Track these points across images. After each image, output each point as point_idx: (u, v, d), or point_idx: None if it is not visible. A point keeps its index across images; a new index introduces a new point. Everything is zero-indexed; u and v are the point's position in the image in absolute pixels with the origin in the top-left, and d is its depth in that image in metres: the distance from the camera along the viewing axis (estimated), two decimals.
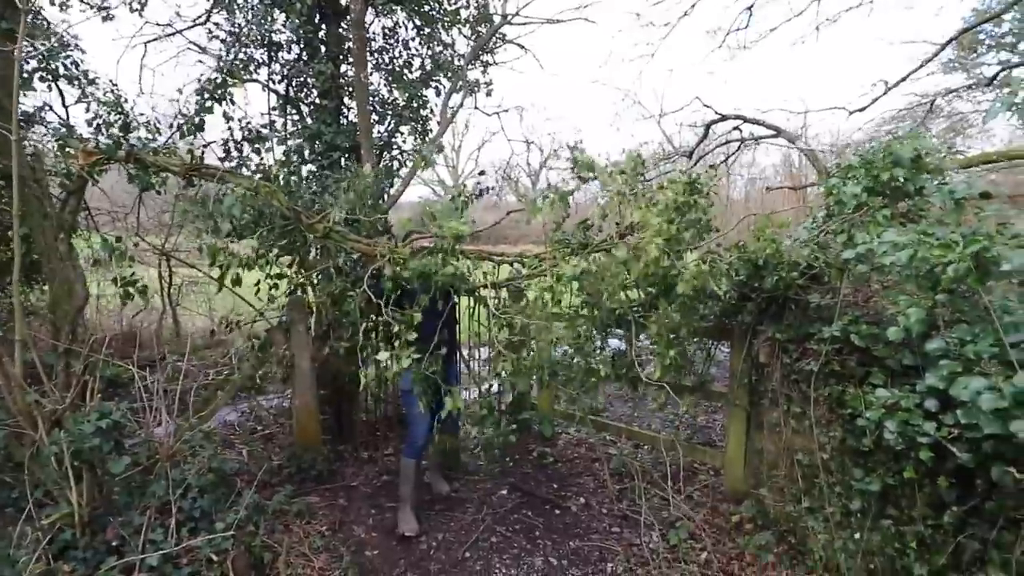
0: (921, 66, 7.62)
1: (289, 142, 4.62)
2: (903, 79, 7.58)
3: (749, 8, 7.97)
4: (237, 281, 3.37)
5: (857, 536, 2.39)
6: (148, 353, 5.88)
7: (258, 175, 3.71)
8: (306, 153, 4.70)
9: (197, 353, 7.17)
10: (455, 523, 3.43)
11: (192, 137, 4.14)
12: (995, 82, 8.23)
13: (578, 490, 3.81)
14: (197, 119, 4.16)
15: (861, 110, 7.85)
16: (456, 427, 3.90)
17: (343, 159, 4.59)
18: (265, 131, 4.67)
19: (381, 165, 4.86)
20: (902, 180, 2.33)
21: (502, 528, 3.36)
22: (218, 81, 4.35)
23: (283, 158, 4.53)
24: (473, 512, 3.55)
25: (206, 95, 4.22)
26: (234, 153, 4.63)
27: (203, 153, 3.68)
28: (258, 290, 3.90)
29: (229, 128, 4.60)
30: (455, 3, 5.51)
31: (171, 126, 4.17)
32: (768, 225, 2.61)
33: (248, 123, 4.69)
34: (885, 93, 7.71)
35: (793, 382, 2.79)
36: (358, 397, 4.64)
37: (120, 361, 3.97)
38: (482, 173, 3.94)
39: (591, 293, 2.67)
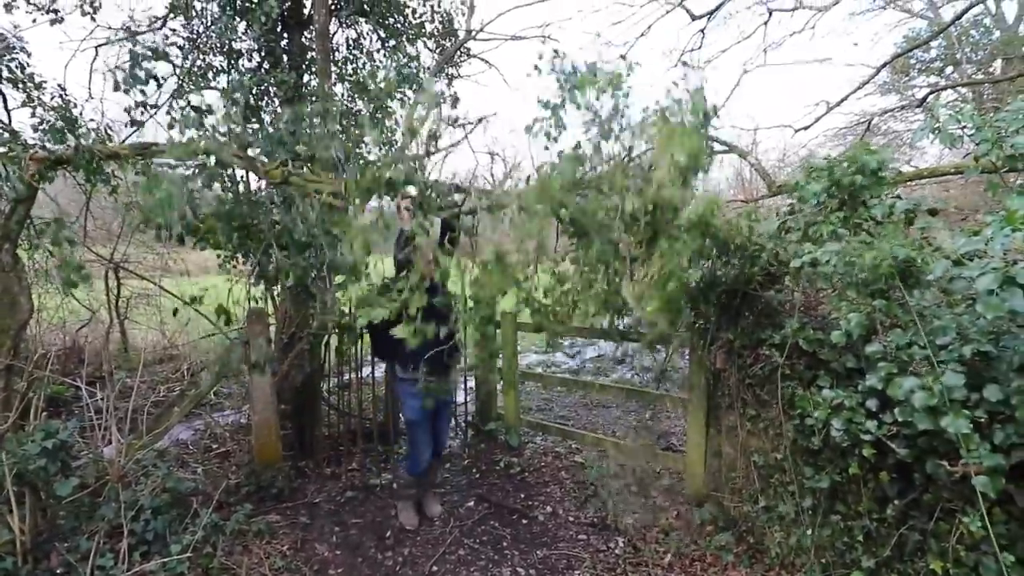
0: (859, 88, 8.17)
1: (238, 94, 4.43)
2: (843, 99, 8.11)
3: (702, 30, 8.36)
4: (180, 239, 2.99)
5: (809, 532, 2.51)
6: (92, 369, 5.59)
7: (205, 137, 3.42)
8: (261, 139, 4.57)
9: (147, 368, 6.86)
10: (421, 537, 3.39)
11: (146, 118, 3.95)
12: (925, 103, 8.89)
13: (545, 499, 3.84)
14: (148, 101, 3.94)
15: (806, 128, 8.35)
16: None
17: (305, 167, 4.52)
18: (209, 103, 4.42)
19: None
20: (859, 188, 2.49)
21: (469, 540, 3.35)
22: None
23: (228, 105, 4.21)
24: (440, 525, 3.52)
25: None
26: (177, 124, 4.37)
27: (143, 116, 3.52)
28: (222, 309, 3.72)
29: (170, 110, 4.38)
30: (420, 17, 5.57)
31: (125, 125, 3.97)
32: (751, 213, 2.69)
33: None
34: (827, 112, 8.22)
35: (748, 386, 2.92)
36: (320, 412, 4.55)
37: (64, 378, 3.76)
38: (457, 100, 3.66)
39: (582, 226, 2.46)
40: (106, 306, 5.42)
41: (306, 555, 3.18)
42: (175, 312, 3.37)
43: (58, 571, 2.28)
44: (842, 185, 2.64)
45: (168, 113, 4.15)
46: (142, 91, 3.66)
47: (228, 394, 6.35)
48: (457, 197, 2.97)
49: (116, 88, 3.79)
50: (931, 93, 10.11)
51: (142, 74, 3.52)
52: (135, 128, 4.15)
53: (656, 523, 3.32)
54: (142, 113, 4.15)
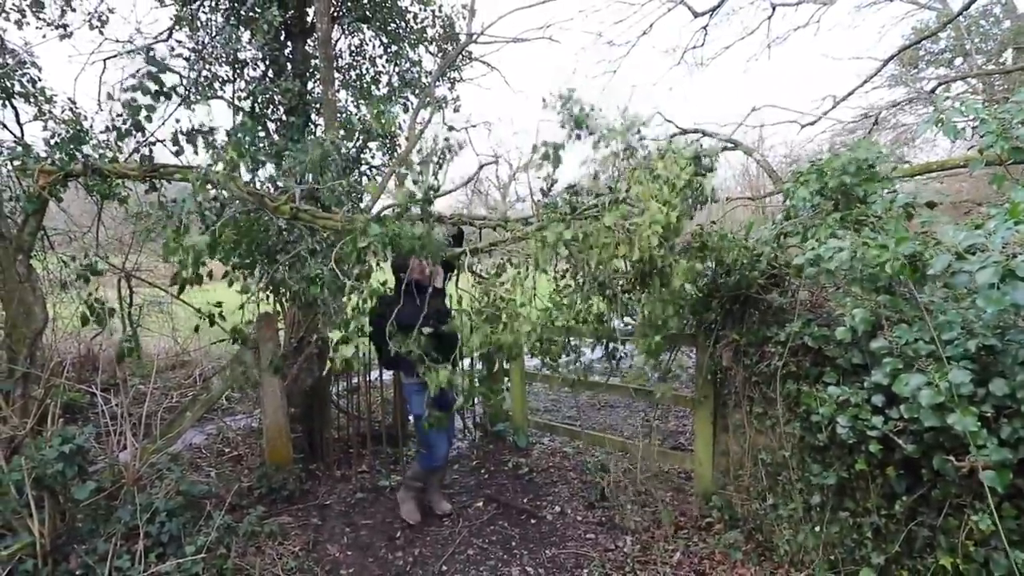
0: (866, 81, 8.10)
1: (245, 137, 4.48)
2: (850, 93, 8.04)
3: (704, 27, 8.33)
4: (198, 279, 2.88)
5: (818, 529, 2.50)
6: (107, 376, 5.69)
7: (215, 164, 3.47)
8: (272, 171, 4.66)
9: (160, 375, 6.97)
10: (431, 537, 3.42)
11: (138, 137, 4.01)
12: (933, 95, 8.80)
13: (553, 499, 3.85)
14: (140, 117, 4.00)
15: (812, 123, 8.29)
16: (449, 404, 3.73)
17: (310, 176, 4.58)
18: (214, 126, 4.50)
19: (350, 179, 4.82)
20: (850, 186, 2.49)
21: (479, 540, 3.37)
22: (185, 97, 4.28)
23: (236, 138, 4.26)
24: (449, 525, 3.55)
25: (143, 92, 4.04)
26: (186, 146, 4.44)
27: (151, 151, 3.58)
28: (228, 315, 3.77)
29: (177, 121, 4.43)
30: (421, 22, 5.61)
31: (118, 139, 4.01)
32: (751, 223, 2.72)
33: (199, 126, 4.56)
34: (834, 107, 8.16)
35: (754, 384, 2.92)
36: (330, 415, 4.59)
37: (79, 384, 3.84)
38: (451, 128, 3.70)
39: (577, 261, 2.59)
40: (119, 315, 5.50)
41: (318, 556, 3.22)
42: (197, 328, 3.43)
43: (77, 573, 2.33)
44: (831, 187, 2.64)
45: (174, 143, 4.24)
46: (148, 118, 3.77)
47: (239, 399, 6.43)
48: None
49: (120, 138, 3.86)
50: (940, 85, 10.01)
51: (148, 99, 3.64)
52: (142, 145, 4.20)
53: (665, 522, 3.32)
54: (149, 148, 4.22)
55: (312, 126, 4.92)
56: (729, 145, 7.70)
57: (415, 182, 2.85)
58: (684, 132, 7.65)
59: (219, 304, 3.42)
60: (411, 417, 3.39)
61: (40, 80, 4.07)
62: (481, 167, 3.87)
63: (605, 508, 3.62)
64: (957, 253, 1.71)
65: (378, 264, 3.20)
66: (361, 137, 5.29)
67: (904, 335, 2.02)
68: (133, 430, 2.75)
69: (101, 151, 3.85)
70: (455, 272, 3.34)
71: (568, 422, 5.38)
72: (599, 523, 3.49)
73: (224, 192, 3.07)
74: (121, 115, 4.01)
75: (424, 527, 3.53)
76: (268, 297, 3.96)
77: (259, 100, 4.93)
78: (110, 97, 3.84)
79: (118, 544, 2.42)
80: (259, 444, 4.51)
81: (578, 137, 2.91)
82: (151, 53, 3.45)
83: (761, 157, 7.83)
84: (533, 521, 3.58)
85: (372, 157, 5.35)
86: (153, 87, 3.94)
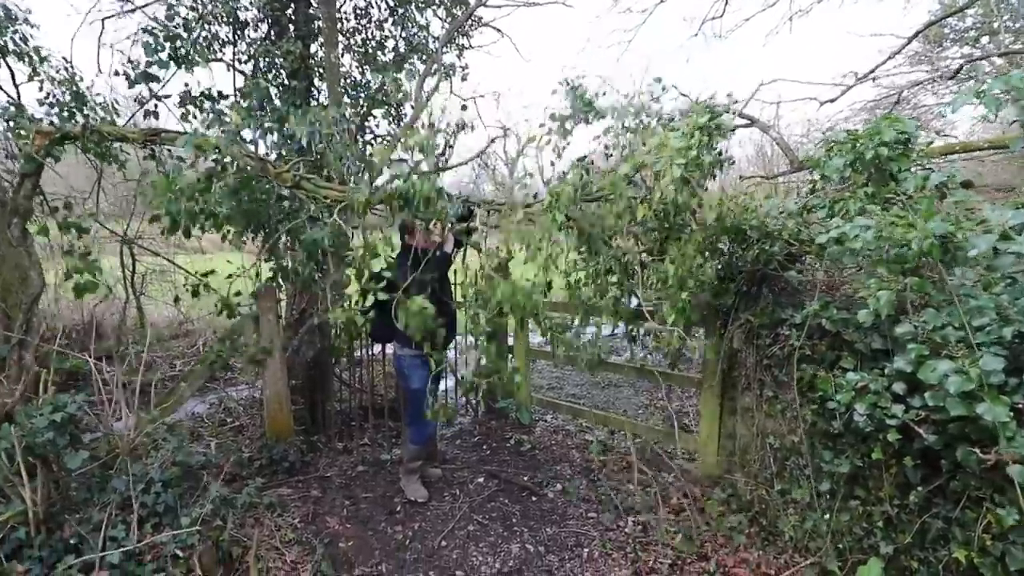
0: (891, 57, 7.76)
1: (252, 101, 4.36)
2: (872, 71, 7.71)
3: None
4: (187, 232, 2.88)
5: (826, 517, 2.44)
6: (110, 344, 5.67)
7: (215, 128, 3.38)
8: (275, 137, 4.53)
9: (162, 344, 6.96)
10: (431, 512, 3.40)
11: (143, 90, 3.93)
12: (959, 75, 8.45)
13: (555, 477, 3.81)
14: (150, 71, 3.91)
15: (832, 100, 7.97)
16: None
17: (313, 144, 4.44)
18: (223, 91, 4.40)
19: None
20: (886, 160, 2.35)
21: (479, 516, 3.35)
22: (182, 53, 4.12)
23: (239, 104, 4.16)
24: (450, 501, 3.53)
25: (154, 41, 3.94)
26: (190, 111, 4.34)
27: (156, 107, 3.48)
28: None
29: (186, 85, 4.33)
30: None
31: (129, 87, 3.93)
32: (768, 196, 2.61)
33: (206, 90, 4.43)
34: (855, 84, 7.84)
35: (766, 367, 2.83)
36: (332, 387, 4.56)
37: (79, 353, 3.79)
38: (464, 108, 3.63)
39: (590, 238, 2.53)
40: (122, 282, 5.46)
41: (316, 528, 3.21)
42: (195, 293, 3.35)
43: (71, 541, 2.31)
44: (866, 159, 2.49)
45: (181, 104, 4.12)
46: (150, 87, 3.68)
47: (242, 369, 6.42)
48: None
49: (131, 86, 3.79)
50: (966, 64, 9.60)
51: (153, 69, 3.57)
52: (141, 109, 4.10)
53: (667, 503, 3.27)
54: (155, 105, 4.11)
55: (315, 91, 4.75)
56: (745, 121, 7.45)
57: (422, 150, 2.75)
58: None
59: (207, 275, 3.36)
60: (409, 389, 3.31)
61: (31, 38, 3.91)
62: (491, 141, 3.73)
63: (607, 487, 3.58)
64: (1003, 233, 1.58)
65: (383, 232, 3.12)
66: (365, 104, 5.13)
67: (932, 320, 1.91)
68: (128, 399, 2.70)
69: (101, 114, 3.74)
70: (463, 249, 3.26)
71: (571, 400, 5.33)
72: (600, 502, 3.45)
73: (227, 158, 2.97)
74: (131, 62, 3.91)
75: (425, 502, 3.50)
76: (267, 268, 3.88)
77: (260, 63, 4.76)
78: (131, 86, 3.82)
79: (113, 514, 2.39)
80: (260, 415, 4.49)
81: (586, 121, 2.90)
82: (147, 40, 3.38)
83: (778, 135, 7.58)
84: (534, 498, 3.55)
85: (376, 125, 5.20)
86: (166, 48, 3.87)
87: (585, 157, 2.88)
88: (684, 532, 2.99)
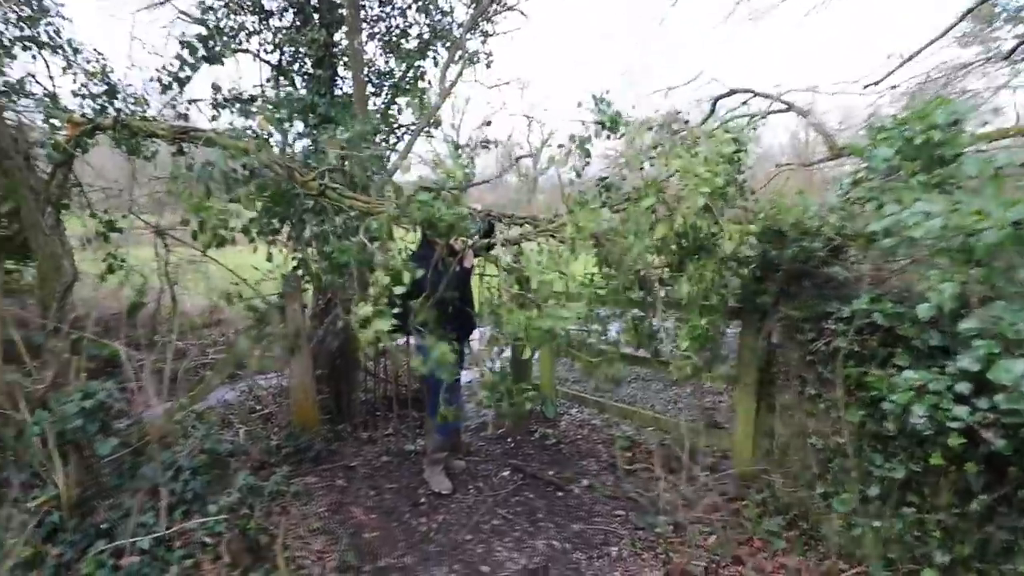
0: (940, 37, 7.32)
1: (283, 111, 4.40)
2: (919, 51, 7.30)
3: None
4: (221, 242, 2.92)
5: (876, 523, 2.29)
6: (146, 331, 5.79)
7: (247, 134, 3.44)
8: (301, 126, 4.52)
9: (195, 332, 7.09)
10: (456, 505, 3.36)
11: (177, 93, 3.98)
12: (1012, 56, 7.94)
13: (581, 472, 3.73)
14: (181, 75, 3.97)
15: (875, 83, 7.59)
16: (459, 399, 3.75)
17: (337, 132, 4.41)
18: (253, 94, 4.46)
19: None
20: (938, 144, 2.16)
21: (503, 510, 3.29)
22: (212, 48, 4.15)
23: (271, 112, 4.23)
24: (474, 494, 3.48)
25: (190, 52, 4.00)
26: (221, 114, 4.41)
27: (188, 110, 3.50)
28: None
29: (217, 88, 4.38)
30: None
31: (161, 92, 4.00)
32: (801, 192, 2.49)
33: (237, 92, 4.49)
34: (902, 65, 7.43)
35: (809, 363, 2.67)
36: (357, 377, 4.55)
37: (113, 341, 3.86)
38: (488, 124, 3.58)
39: (609, 255, 2.50)
40: (155, 273, 5.57)
41: (342, 517, 3.20)
42: (228, 300, 3.45)
43: (103, 527, 2.33)
44: (915, 145, 2.30)
45: (214, 107, 4.19)
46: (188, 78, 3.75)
47: (270, 357, 6.49)
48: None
49: (163, 91, 3.86)
50: (1020, 44, 9.00)
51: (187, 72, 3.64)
52: (176, 103, 4.14)
53: (699, 503, 3.15)
54: (187, 107, 4.16)
55: (339, 79, 4.72)
56: (782, 107, 7.15)
57: (447, 166, 2.75)
58: (733, 92, 7.11)
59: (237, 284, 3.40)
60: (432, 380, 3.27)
61: (64, 30, 3.97)
62: (516, 160, 3.61)
63: (635, 484, 3.48)
64: None
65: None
66: (389, 93, 5.08)
67: (1002, 313, 1.74)
68: (158, 387, 2.71)
69: (132, 108, 3.78)
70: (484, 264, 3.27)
71: (597, 394, 5.22)
72: (629, 499, 3.35)
73: (256, 162, 2.99)
74: (165, 68, 3.98)
75: (448, 494, 3.46)
76: (295, 260, 3.88)
77: (285, 53, 4.75)
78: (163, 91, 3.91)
79: (143, 500, 2.41)
80: (288, 403, 4.52)
81: (608, 137, 2.87)
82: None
83: (817, 120, 7.25)
84: (560, 494, 3.47)
85: (399, 113, 5.14)
86: (199, 49, 3.92)
87: (606, 178, 2.90)
88: (718, 534, 2.88)
